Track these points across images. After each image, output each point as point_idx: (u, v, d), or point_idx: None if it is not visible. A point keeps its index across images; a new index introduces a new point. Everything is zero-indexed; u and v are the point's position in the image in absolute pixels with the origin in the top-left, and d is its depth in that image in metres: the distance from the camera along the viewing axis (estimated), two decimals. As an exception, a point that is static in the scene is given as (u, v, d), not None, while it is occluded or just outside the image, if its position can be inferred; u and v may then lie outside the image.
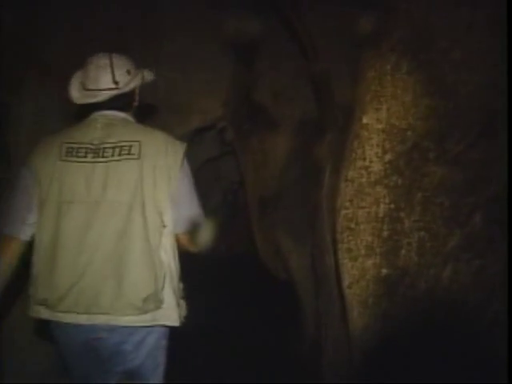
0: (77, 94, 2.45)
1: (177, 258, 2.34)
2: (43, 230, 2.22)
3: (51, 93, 3.43)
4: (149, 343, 2.32)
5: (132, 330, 2.24)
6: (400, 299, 2.56)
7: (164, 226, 2.26)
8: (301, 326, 4.57)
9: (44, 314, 2.24)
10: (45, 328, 2.40)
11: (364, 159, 2.65)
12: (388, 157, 2.59)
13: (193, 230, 2.33)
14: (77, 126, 2.44)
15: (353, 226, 2.69)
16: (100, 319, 2.18)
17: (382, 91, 2.60)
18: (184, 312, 2.35)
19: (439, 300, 2.49)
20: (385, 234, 2.60)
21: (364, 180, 2.66)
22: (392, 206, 2.59)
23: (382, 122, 2.60)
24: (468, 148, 2.48)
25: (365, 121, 2.66)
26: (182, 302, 2.36)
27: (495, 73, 2.46)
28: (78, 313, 2.17)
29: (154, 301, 2.19)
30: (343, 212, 2.73)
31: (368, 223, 2.65)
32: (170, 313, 2.27)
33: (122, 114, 2.39)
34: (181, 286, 2.36)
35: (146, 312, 2.19)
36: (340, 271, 2.79)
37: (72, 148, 2.31)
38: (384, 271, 2.60)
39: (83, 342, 2.25)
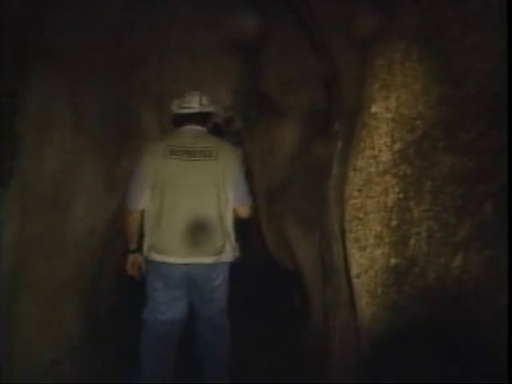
0: (175, 108, 3.84)
1: (233, 225, 3.74)
2: (153, 204, 3.60)
3: (59, 81, 3.42)
4: (223, 273, 3.72)
5: (213, 265, 3.61)
6: (409, 289, 2.53)
7: (227, 200, 3.65)
8: (308, 316, 4.56)
9: (153, 256, 3.57)
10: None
11: (373, 148, 2.62)
12: (397, 146, 2.56)
13: (243, 204, 3.75)
14: (174, 134, 3.80)
15: (361, 215, 2.67)
16: (193, 259, 3.56)
17: (391, 79, 2.57)
18: (237, 254, 3.75)
19: (449, 290, 2.46)
20: (394, 223, 2.58)
21: (373, 169, 2.63)
22: (401, 195, 2.56)
23: (391, 111, 2.58)
24: (479, 137, 2.45)
25: (373, 110, 2.63)
26: (236, 247, 3.74)
27: (507, 61, 2.42)
28: (179, 256, 3.53)
29: (222, 248, 3.62)
30: (352, 202, 2.71)
31: (377, 213, 2.63)
32: (229, 255, 3.68)
33: (202, 129, 3.79)
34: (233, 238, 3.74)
35: (220, 254, 3.61)
36: (348, 261, 2.77)
37: (173, 149, 3.62)
38: (393, 261, 2.57)
39: (182, 275, 3.59)
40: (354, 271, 2.70)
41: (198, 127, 3.75)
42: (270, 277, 6.03)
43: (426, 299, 2.50)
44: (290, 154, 4.56)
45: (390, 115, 2.57)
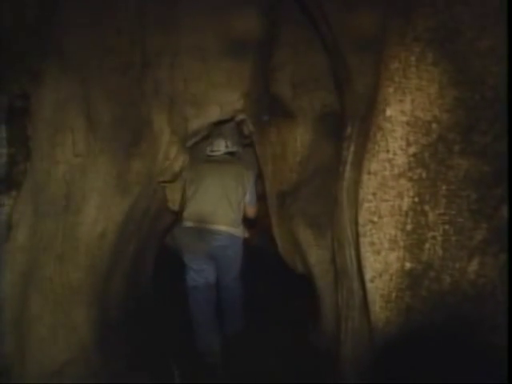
0: (208, 152, 5.37)
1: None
2: (190, 190, 5.03)
3: (71, 83, 3.42)
4: (236, 245, 5.06)
5: (231, 236, 4.96)
6: (424, 293, 2.51)
7: (245, 194, 5.12)
8: (319, 319, 4.55)
9: (189, 223, 4.93)
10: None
11: (387, 152, 2.60)
12: (412, 149, 2.54)
13: (253, 204, 5.24)
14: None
15: (376, 219, 2.65)
16: (216, 227, 4.90)
17: (406, 82, 2.55)
18: (246, 235, 5.26)
19: (465, 294, 2.44)
20: (408, 227, 2.56)
21: (387, 173, 2.61)
22: (416, 199, 2.54)
23: (407, 114, 2.55)
24: (495, 140, 2.42)
25: (388, 113, 2.61)
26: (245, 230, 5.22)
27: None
28: (207, 223, 4.88)
29: (236, 223, 5.02)
30: (366, 205, 2.69)
31: (391, 216, 2.61)
32: (241, 232, 5.09)
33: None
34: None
35: (236, 227, 5.01)
36: (362, 265, 2.76)
37: (208, 158, 5.34)
38: (408, 265, 2.55)
39: (205, 246, 4.89)
40: (368, 275, 2.68)
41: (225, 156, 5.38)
42: (281, 280, 6.04)
43: (442, 304, 2.48)
44: (301, 156, 4.56)
45: (405, 118, 2.55)
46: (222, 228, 4.89)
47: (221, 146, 5.29)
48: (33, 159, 3.10)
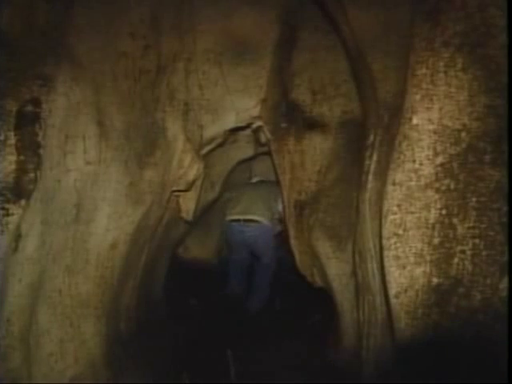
0: None
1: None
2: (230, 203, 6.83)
3: (83, 89, 3.41)
4: (267, 235, 6.46)
5: (261, 226, 6.37)
6: (452, 310, 2.48)
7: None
8: (339, 336, 4.51)
9: (233, 216, 6.48)
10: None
11: (413, 161, 2.57)
12: (440, 159, 2.51)
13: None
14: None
15: (401, 232, 2.62)
16: (249, 217, 6.38)
17: (434, 89, 2.52)
18: (279, 228, 6.55)
19: (496, 312, 2.40)
20: (436, 240, 2.53)
21: (413, 183, 2.58)
22: (444, 211, 2.51)
23: (434, 123, 2.53)
24: (527, 150, 2.40)
25: (415, 121, 2.58)
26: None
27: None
28: (241, 214, 6.45)
29: (269, 217, 6.43)
30: (390, 217, 2.66)
31: (417, 229, 2.57)
32: (274, 224, 6.47)
33: None
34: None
35: (267, 218, 6.39)
36: (386, 279, 2.72)
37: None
38: (435, 280, 2.52)
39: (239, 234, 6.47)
40: (393, 290, 2.64)
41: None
42: (298, 293, 6.02)
43: (471, 322, 2.44)
44: (320, 166, 4.53)
45: (432, 127, 2.53)
46: (254, 217, 6.38)
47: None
48: (43, 167, 3.09)
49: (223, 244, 7.57)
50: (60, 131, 3.25)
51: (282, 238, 6.22)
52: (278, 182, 5.55)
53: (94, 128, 3.52)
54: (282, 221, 6.33)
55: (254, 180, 7.18)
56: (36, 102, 3.07)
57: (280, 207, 6.27)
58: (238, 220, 6.46)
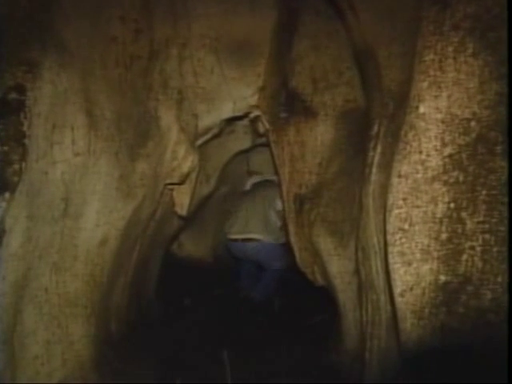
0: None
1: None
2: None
3: (72, 76, 3.40)
4: (268, 249, 6.61)
5: (261, 242, 6.59)
6: (461, 310, 2.46)
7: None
8: (341, 337, 4.50)
9: (231, 236, 6.74)
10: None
11: (420, 153, 2.56)
12: (448, 150, 2.50)
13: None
14: None
15: (406, 227, 2.60)
16: (248, 236, 6.62)
17: (443, 76, 2.51)
18: (282, 240, 6.44)
19: (508, 312, 2.40)
20: (443, 236, 2.51)
21: (420, 176, 2.57)
22: (452, 205, 2.50)
23: (442, 112, 2.51)
24: (541, 140, 2.39)
25: (422, 110, 2.57)
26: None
27: None
28: (244, 232, 6.66)
29: (269, 231, 6.63)
30: (395, 211, 2.65)
31: (424, 224, 2.56)
32: (275, 237, 6.62)
33: None
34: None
35: (266, 234, 6.62)
36: (391, 277, 2.71)
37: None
38: (442, 278, 2.50)
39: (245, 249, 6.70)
40: (398, 289, 2.63)
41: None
42: (298, 292, 6.02)
43: (481, 322, 2.43)
44: (322, 157, 4.52)
45: (440, 116, 2.51)
46: (252, 236, 6.61)
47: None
48: (28, 158, 3.07)
49: (219, 241, 7.62)
50: (46, 120, 3.24)
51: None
52: (277, 177, 5.67)
53: (83, 117, 3.50)
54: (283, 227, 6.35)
55: (250, 183, 7.37)
56: (21, 90, 3.05)
57: (279, 221, 6.66)
58: (237, 240, 6.72)
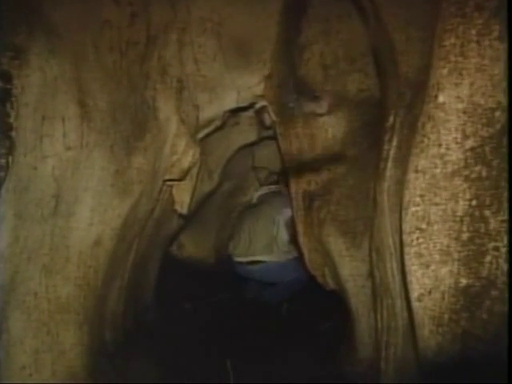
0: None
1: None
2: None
3: (63, 63, 3.39)
4: (273, 269, 6.66)
5: (271, 263, 6.67)
6: (484, 316, 2.46)
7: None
8: (354, 345, 4.50)
9: (236, 258, 6.88)
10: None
11: (439, 146, 2.55)
12: (470, 143, 2.49)
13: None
14: None
15: (424, 226, 2.60)
16: (251, 258, 6.74)
17: (465, 62, 2.50)
18: (289, 257, 6.66)
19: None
20: (464, 236, 2.50)
21: (439, 171, 2.56)
22: (474, 202, 2.48)
23: (464, 101, 2.50)
24: None
25: (441, 99, 2.56)
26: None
27: None
28: (247, 255, 6.79)
29: (271, 250, 6.71)
30: (412, 209, 2.64)
31: (443, 223, 2.55)
32: (280, 255, 6.72)
33: None
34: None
35: (269, 253, 6.72)
36: (407, 280, 2.70)
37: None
38: (463, 281, 2.49)
39: (250, 272, 6.95)
40: (415, 293, 2.63)
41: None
42: (307, 296, 6.03)
43: (506, 329, 2.42)
44: (333, 151, 4.51)
45: (461, 106, 2.50)
46: (256, 259, 6.73)
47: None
48: (16, 152, 3.08)
49: (222, 241, 7.62)
50: (35, 111, 3.23)
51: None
52: (285, 188, 6.29)
53: (75, 108, 3.49)
54: (292, 240, 6.48)
55: (257, 195, 7.54)
56: (6, 77, 3.05)
57: (286, 234, 6.76)
58: (242, 263, 6.87)
